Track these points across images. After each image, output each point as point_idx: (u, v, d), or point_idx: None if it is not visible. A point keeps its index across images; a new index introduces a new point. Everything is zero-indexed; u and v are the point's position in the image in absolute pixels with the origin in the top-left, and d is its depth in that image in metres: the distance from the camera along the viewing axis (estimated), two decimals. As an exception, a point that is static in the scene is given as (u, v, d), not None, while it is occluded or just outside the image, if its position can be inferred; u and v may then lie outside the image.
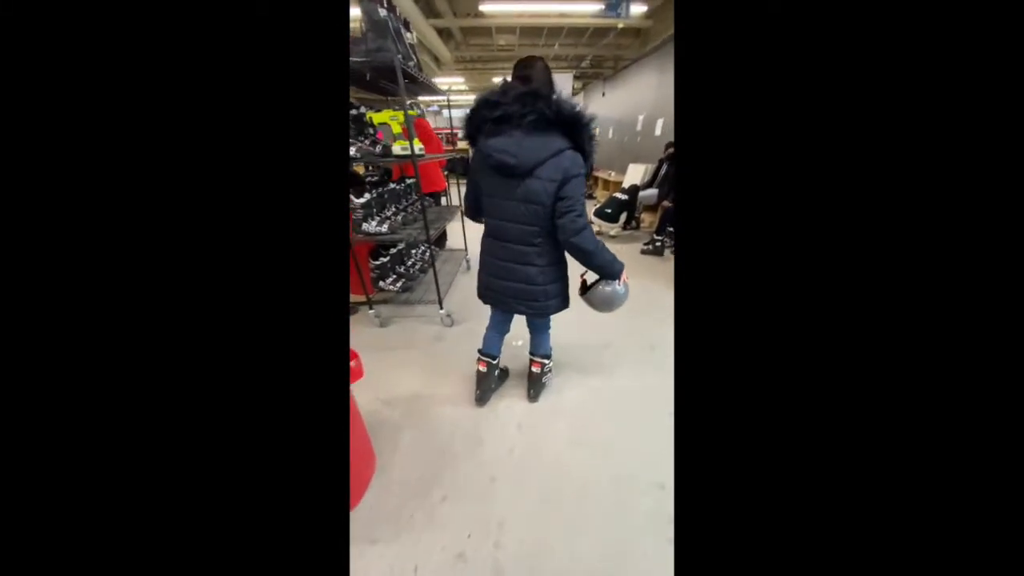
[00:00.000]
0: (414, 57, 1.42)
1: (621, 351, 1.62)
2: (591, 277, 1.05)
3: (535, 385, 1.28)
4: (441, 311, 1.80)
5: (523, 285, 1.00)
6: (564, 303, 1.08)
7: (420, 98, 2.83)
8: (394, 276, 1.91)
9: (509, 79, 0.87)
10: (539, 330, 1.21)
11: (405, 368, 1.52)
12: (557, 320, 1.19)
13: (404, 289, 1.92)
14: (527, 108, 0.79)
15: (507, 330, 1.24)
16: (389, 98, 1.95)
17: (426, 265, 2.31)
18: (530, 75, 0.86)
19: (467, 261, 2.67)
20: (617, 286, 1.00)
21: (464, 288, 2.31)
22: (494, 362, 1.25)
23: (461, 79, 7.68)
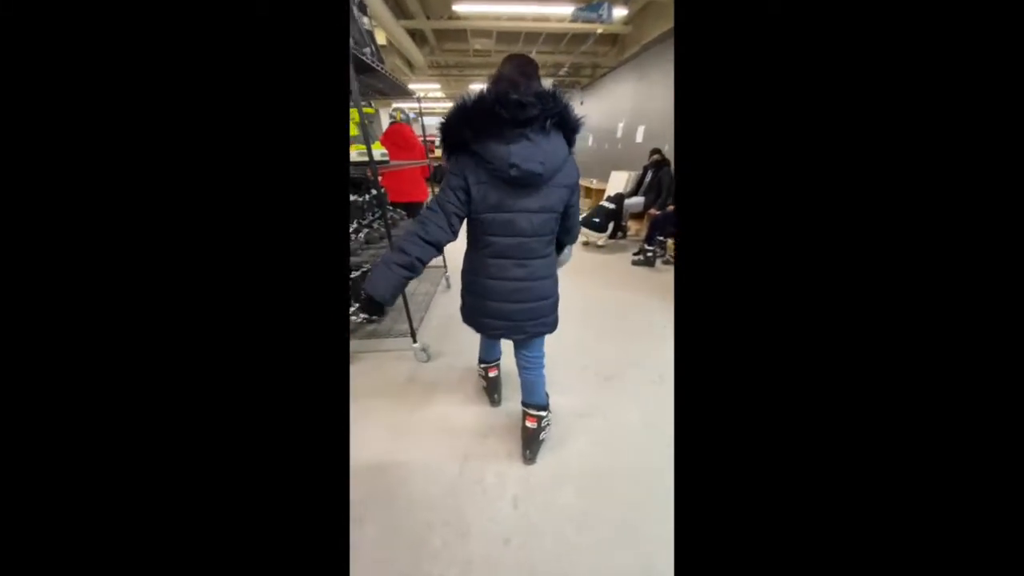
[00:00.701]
0: (370, 44, 1.18)
1: (625, 381, 1.41)
2: None
3: (532, 444, 1.04)
4: (415, 345, 1.52)
5: (540, 303, 0.90)
6: None
7: (399, 105, 2.64)
8: (356, 305, 1.62)
9: (487, 86, 0.73)
10: (534, 367, 1.01)
11: (368, 425, 1.23)
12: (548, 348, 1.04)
13: (369, 320, 1.63)
14: (548, 109, 0.71)
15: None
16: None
17: (398, 287, 2.02)
18: (533, 73, 0.78)
19: (447, 279, 2.40)
20: (568, 251, 1.03)
21: (444, 310, 2.04)
22: (499, 362, 1.21)
23: (437, 85, 7.48)
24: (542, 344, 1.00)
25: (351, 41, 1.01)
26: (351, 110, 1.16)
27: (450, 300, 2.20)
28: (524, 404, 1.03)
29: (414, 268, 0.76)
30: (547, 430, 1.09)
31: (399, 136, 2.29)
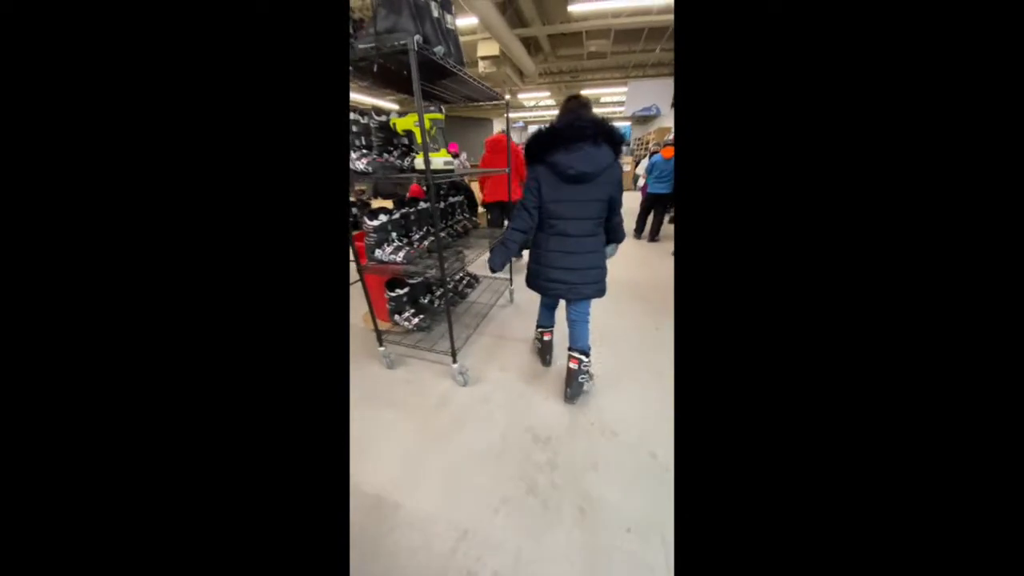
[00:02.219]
0: (447, 45, 1.10)
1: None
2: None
3: (572, 383, 1.26)
4: (454, 366, 1.41)
5: (589, 270, 1.18)
6: None
7: (514, 115, 2.82)
8: (412, 310, 1.61)
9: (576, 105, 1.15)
10: (581, 320, 1.27)
11: (389, 443, 1.16)
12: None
13: (420, 328, 1.60)
14: (598, 130, 1.04)
15: (557, 304, 1.42)
16: (447, 103, 1.69)
17: (456, 297, 1.98)
18: (587, 105, 1.14)
19: (511, 292, 2.26)
20: (613, 248, 1.29)
21: (499, 327, 1.90)
22: (553, 328, 1.47)
23: (547, 93, 7.51)
24: (588, 303, 1.28)
25: (419, 39, 0.93)
26: (415, 116, 1.10)
27: (509, 317, 2.04)
28: (570, 349, 1.27)
29: (508, 247, 1.17)
30: (586, 377, 1.28)
31: (498, 144, 2.58)
